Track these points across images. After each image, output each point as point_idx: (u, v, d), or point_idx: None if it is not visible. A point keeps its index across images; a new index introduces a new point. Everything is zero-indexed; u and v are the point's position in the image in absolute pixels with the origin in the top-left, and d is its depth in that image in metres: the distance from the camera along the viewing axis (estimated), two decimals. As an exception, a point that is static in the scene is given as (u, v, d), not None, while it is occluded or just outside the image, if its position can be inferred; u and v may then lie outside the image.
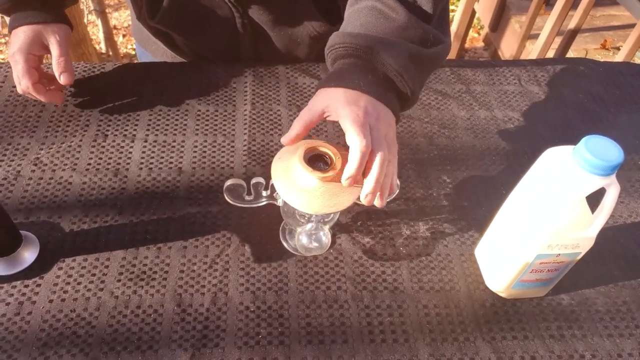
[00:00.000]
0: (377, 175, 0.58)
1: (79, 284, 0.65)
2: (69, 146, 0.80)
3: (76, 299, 0.64)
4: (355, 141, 0.57)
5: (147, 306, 0.64)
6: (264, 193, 0.66)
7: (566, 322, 0.66)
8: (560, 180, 0.54)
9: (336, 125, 0.86)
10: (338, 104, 0.60)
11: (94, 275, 0.66)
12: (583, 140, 0.52)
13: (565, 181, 0.53)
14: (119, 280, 0.66)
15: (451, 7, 4.61)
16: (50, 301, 0.63)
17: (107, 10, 4.41)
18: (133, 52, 4.87)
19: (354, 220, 0.75)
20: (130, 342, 0.61)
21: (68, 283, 0.65)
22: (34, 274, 0.66)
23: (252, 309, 0.65)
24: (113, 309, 0.63)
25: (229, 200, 0.66)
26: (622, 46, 1.99)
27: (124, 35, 5.12)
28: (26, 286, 0.64)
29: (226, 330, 0.63)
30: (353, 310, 0.66)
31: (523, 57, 2.45)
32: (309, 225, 0.67)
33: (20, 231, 0.67)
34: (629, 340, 0.65)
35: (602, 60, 2.45)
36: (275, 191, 0.61)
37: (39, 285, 0.65)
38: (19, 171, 0.76)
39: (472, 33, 4.04)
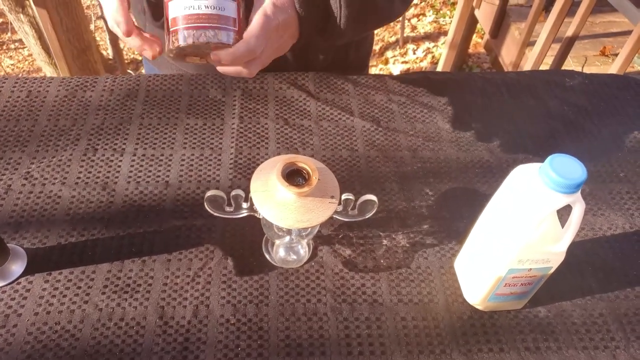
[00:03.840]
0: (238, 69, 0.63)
1: (64, 296, 0.67)
2: (60, 160, 0.82)
3: (61, 312, 0.65)
4: (251, 42, 0.60)
5: (130, 318, 0.65)
6: (244, 205, 0.68)
7: (542, 334, 0.67)
8: (527, 197, 0.55)
9: (322, 139, 0.88)
10: None
11: (79, 288, 0.68)
12: (548, 159, 0.53)
13: (532, 198, 0.55)
14: (103, 293, 0.68)
15: (453, 12, 4.62)
16: (36, 314, 0.65)
17: (113, 17, 4.46)
18: (140, 58, 4.92)
19: (336, 232, 0.76)
20: (112, 354, 0.62)
21: (54, 296, 0.67)
22: (21, 287, 0.67)
23: (232, 322, 0.66)
24: (97, 321, 0.65)
25: (209, 210, 0.68)
26: (620, 53, 1.99)
27: (130, 41, 5.14)
28: (12, 299, 0.66)
29: (206, 342, 0.64)
30: (332, 323, 0.67)
31: (522, 63, 2.46)
32: (287, 238, 0.69)
33: (8, 245, 0.69)
34: (603, 353, 0.66)
35: (600, 66, 2.45)
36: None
37: (25, 298, 0.66)
38: (10, 185, 0.78)
39: (475, 39, 4.06)
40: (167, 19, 0.59)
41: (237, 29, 0.60)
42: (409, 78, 1.02)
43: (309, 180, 0.62)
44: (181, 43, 0.59)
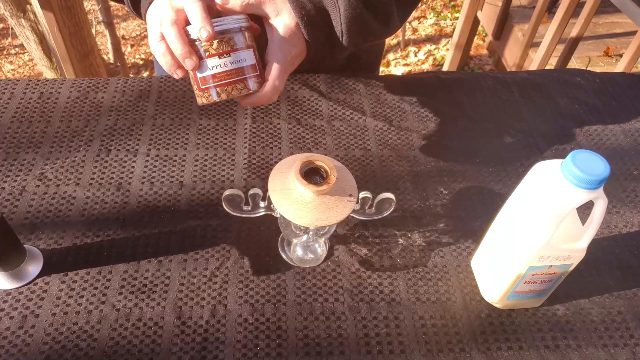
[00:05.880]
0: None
1: (81, 297, 0.67)
2: (73, 161, 0.82)
3: (79, 313, 0.65)
4: (276, 83, 0.65)
5: (148, 319, 0.65)
6: (262, 204, 0.68)
7: (561, 332, 0.67)
8: (549, 194, 0.55)
9: (335, 138, 0.88)
10: (276, 34, 0.66)
11: (96, 288, 0.68)
12: (570, 155, 0.53)
13: (554, 195, 0.54)
14: (120, 294, 0.67)
15: (456, 15, 4.63)
16: (54, 315, 0.65)
17: (115, 21, 4.48)
18: (141, 62, 4.94)
19: (352, 232, 0.76)
20: (131, 354, 0.62)
21: (71, 297, 0.67)
22: (38, 288, 0.67)
23: (250, 322, 0.66)
24: (115, 322, 0.65)
25: (227, 210, 0.68)
26: (625, 53, 1.99)
27: (132, 46, 5.19)
28: (30, 300, 0.66)
29: (225, 342, 0.64)
30: (350, 322, 0.67)
31: (526, 65, 2.47)
32: (305, 237, 0.69)
33: (25, 246, 0.69)
34: (623, 351, 0.65)
35: (605, 67, 2.45)
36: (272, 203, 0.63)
37: (42, 299, 0.66)
38: (25, 187, 0.78)
39: (477, 41, 4.07)
40: (195, 78, 0.63)
41: (258, 73, 0.64)
42: (419, 78, 1.02)
43: (327, 178, 0.62)
44: (215, 99, 0.64)
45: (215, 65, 0.62)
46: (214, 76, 0.63)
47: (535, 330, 0.67)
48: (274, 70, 0.64)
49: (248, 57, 0.63)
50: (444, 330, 0.67)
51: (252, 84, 0.64)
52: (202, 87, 0.63)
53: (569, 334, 0.67)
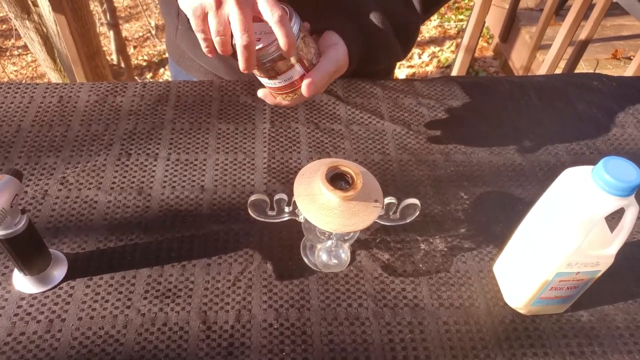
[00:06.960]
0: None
1: (106, 301, 0.67)
2: (94, 165, 0.82)
3: (104, 317, 0.65)
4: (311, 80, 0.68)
5: (173, 323, 0.65)
6: (286, 209, 0.68)
7: (586, 338, 0.67)
8: (579, 201, 0.55)
9: (353, 142, 0.88)
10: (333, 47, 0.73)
11: (120, 293, 0.68)
12: (602, 161, 0.53)
13: (584, 201, 0.54)
14: (145, 298, 0.67)
15: (460, 17, 4.63)
16: (80, 319, 0.65)
17: (118, 22, 4.49)
18: (144, 64, 4.94)
19: (373, 237, 0.76)
20: (157, 359, 0.62)
21: (96, 301, 0.67)
22: (63, 292, 0.67)
23: (275, 326, 0.66)
24: (140, 326, 0.65)
25: (252, 214, 0.68)
26: (633, 56, 1.99)
27: (135, 47, 5.19)
28: (56, 304, 0.66)
29: (251, 347, 0.64)
30: (374, 328, 0.67)
31: (534, 67, 2.46)
32: (329, 243, 0.69)
33: (50, 250, 0.69)
34: (648, 357, 0.65)
35: (613, 70, 2.45)
36: (297, 207, 0.63)
37: (68, 303, 0.66)
38: (47, 190, 0.78)
39: (481, 42, 4.06)
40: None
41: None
42: (436, 81, 1.02)
43: (353, 184, 0.62)
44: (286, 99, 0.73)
45: (266, 83, 0.70)
46: (270, 89, 0.71)
47: (559, 336, 0.67)
48: (316, 69, 0.69)
49: (295, 73, 0.67)
50: (468, 336, 0.67)
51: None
52: (273, 94, 0.72)
53: (594, 340, 0.67)
